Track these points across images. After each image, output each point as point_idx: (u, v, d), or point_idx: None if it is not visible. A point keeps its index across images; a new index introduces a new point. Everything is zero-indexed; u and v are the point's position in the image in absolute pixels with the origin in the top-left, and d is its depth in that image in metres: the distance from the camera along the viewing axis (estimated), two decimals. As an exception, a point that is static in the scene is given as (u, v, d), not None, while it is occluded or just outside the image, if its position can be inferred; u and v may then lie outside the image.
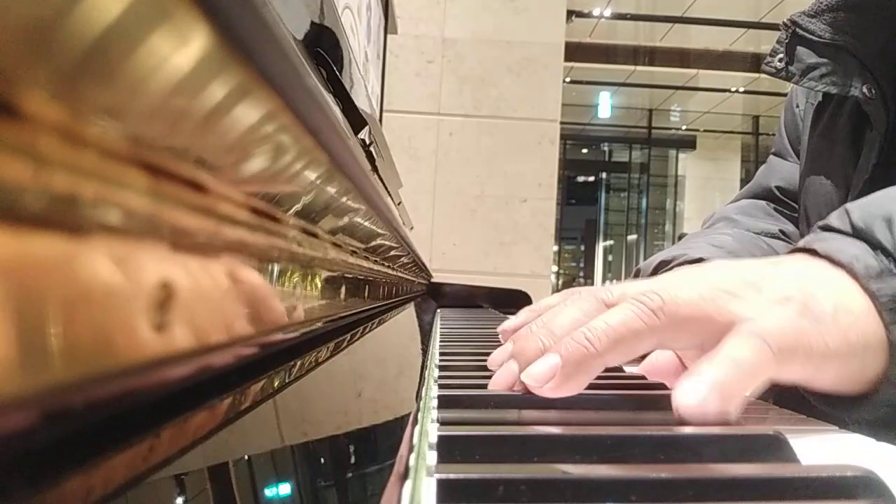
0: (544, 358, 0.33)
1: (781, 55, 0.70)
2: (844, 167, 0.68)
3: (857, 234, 0.37)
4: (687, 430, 0.27)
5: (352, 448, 0.25)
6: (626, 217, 13.02)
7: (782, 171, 0.82)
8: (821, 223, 0.40)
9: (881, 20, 0.64)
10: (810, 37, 0.67)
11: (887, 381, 0.34)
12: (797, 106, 0.81)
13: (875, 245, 0.36)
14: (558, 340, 0.34)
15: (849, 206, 0.39)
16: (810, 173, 0.73)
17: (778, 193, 0.82)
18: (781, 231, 0.78)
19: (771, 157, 0.86)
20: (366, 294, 0.56)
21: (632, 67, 8.61)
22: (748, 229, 0.77)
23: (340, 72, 0.47)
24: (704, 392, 0.29)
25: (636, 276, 0.75)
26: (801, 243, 0.39)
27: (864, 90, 0.64)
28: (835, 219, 0.39)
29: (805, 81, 0.69)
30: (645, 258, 0.78)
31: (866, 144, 0.66)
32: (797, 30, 0.68)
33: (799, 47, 0.69)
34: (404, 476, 0.21)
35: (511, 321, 0.60)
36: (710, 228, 0.81)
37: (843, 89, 0.66)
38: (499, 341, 0.58)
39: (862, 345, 0.33)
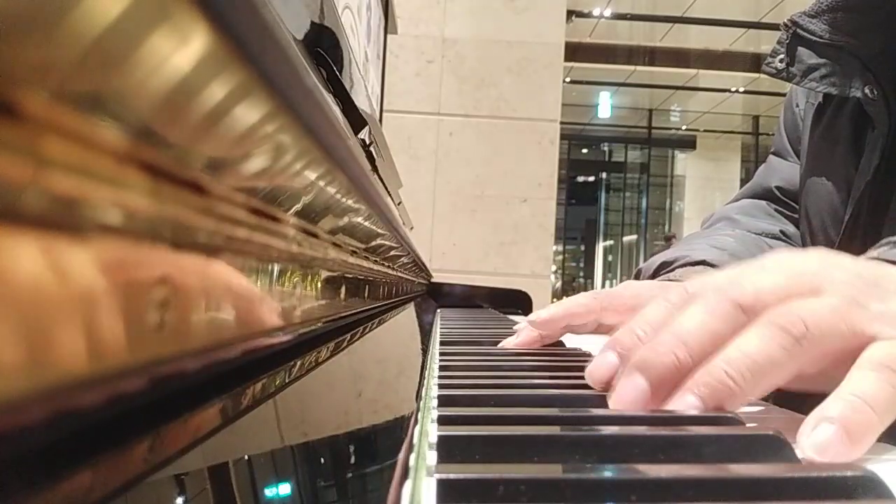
0: (683, 397, 0.29)
1: (782, 56, 0.70)
2: (846, 168, 0.68)
3: None
4: (687, 430, 0.27)
5: (352, 448, 0.25)
6: (623, 217, 13.02)
7: (782, 171, 0.82)
8: (894, 238, 0.38)
9: (881, 20, 0.64)
10: (811, 37, 0.67)
11: None
12: (797, 106, 0.81)
13: None
14: (693, 354, 0.30)
15: None
16: (811, 174, 0.73)
17: (778, 193, 0.82)
18: (782, 231, 0.78)
19: (770, 156, 0.86)
20: (366, 294, 0.56)
21: (632, 67, 8.62)
22: (749, 229, 0.77)
23: (340, 72, 0.47)
24: (831, 436, 0.26)
25: (637, 277, 0.75)
26: (874, 254, 0.37)
27: (866, 91, 0.64)
28: None
29: (806, 82, 0.69)
30: (645, 258, 0.78)
31: (868, 145, 0.66)
32: (798, 30, 0.68)
33: (800, 48, 0.68)
34: (404, 476, 0.21)
35: (543, 312, 0.57)
36: (711, 229, 0.81)
37: (844, 90, 0.66)
38: (499, 340, 0.58)
39: None
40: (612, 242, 13.60)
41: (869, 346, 0.30)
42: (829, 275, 0.32)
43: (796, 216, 0.79)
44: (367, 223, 0.45)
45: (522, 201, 2.74)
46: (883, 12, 0.64)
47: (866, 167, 0.65)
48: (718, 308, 0.31)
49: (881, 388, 0.27)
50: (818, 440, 0.26)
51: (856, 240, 0.67)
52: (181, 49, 0.13)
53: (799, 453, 0.25)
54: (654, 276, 0.70)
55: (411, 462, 0.22)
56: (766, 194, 0.83)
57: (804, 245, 0.76)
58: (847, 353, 0.30)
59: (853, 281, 0.32)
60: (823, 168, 0.71)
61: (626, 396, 0.30)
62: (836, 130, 0.70)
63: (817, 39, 0.67)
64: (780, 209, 0.82)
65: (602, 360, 0.34)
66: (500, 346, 0.57)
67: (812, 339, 0.29)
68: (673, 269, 0.68)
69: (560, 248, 13.70)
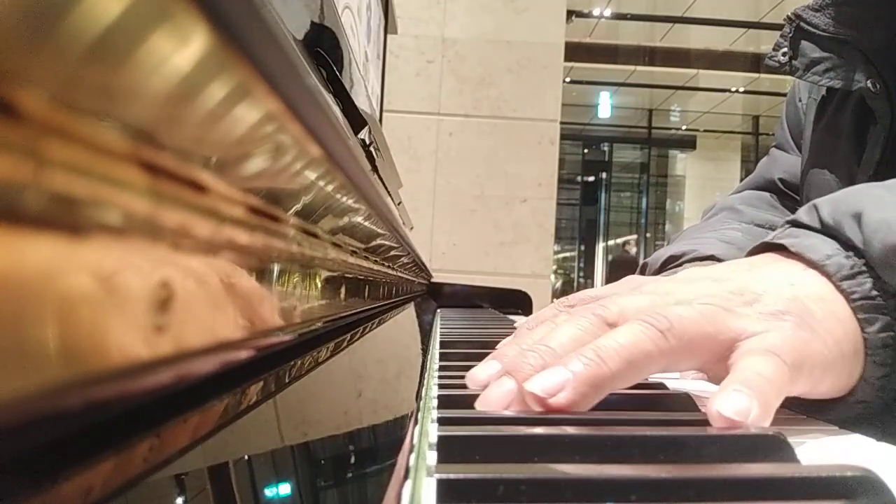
0: (553, 370, 0.30)
1: (785, 49, 0.70)
2: (848, 162, 0.68)
3: (827, 231, 0.37)
4: (687, 430, 0.27)
5: (352, 448, 0.25)
6: (610, 216, 12.98)
7: (785, 163, 0.82)
8: (789, 218, 0.40)
9: (886, 14, 0.64)
10: (814, 30, 0.67)
11: (864, 382, 0.34)
12: (799, 100, 0.81)
13: (845, 243, 0.36)
14: (561, 357, 0.32)
15: (818, 201, 0.39)
16: (813, 167, 0.73)
17: (781, 185, 0.82)
18: None
19: (773, 149, 0.86)
20: (366, 294, 0.56)
21: (632, 67, 8.62)
22: (753, 220, 0.77)
23: (340, 72, 0.47)
24: (748, 403, 0.28)
25: (642, 271, 0.75)
26: (769, 238, 0.39)
27: (869, 84, 0.64)
28: (804, 214, 0.39)
29: (809, 76, 0.69)
30: (645, 258, 0.77)
31: (870, 139, 0.66)
32: (801, 23, 0.68)
33: (803, 41, 0.68)
34: (404, 476, 0.21)
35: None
36: (714, 220, 0.81)
37: (847, 84, 0.66)
38: (499, 341, 0.58)
39: (852, 352, 0.34)
40: (612, 243, 13.56)
41: (741, 343, 0.32)
42: (694, 290, 0.35)
43: (798, 208, 0.79)
44: (367, 223, 0.45)
45: (522, 201, 2.74)
46: (886, 7, 0.64)
47: (868, 161, 0.65)
48: (584, 322, 0.34)
49: (759, 387, 0.29)
50: (737, 406, 0.27)
51: None
52: (181, 49, 0.13)
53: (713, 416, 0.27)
54: (660, 270, 0.70)
55: (411, 462, 0.22)
56: (768, 185, 0.83)
57: None
58: (722, 351, 0.32)
59: (718, 293, 0.34)
60: (826, 161, 0.71)
61: (492, 396, 0.31)
62: (839, 124, 0.70)
63: (820, 33, 0.67)
64: (783, 201, 0.82)
65: (485, 366, 0.35)
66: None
67: (676, 334, 0.32)
68: (681, 264, 0.68)
69: (573, 249, 13.60)
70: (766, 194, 0.83)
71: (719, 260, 0.65)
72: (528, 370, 0.31)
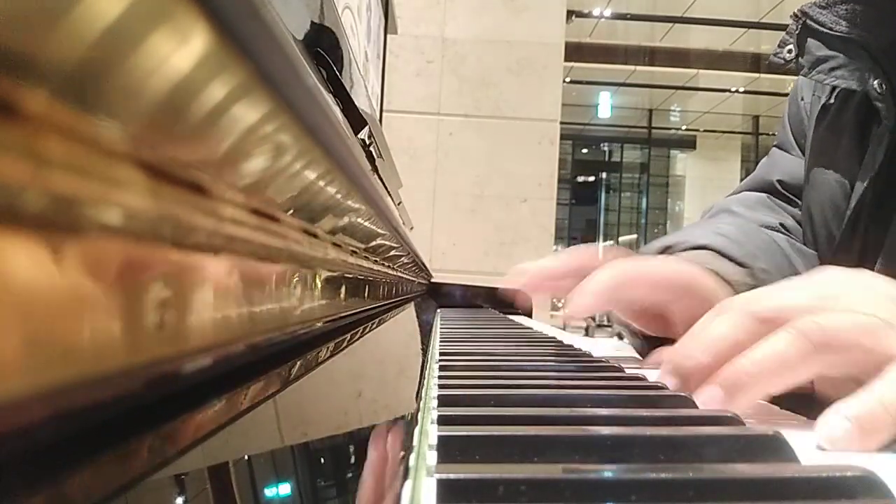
0: (706, 389, 0.33)
1: (791, 46, 0.70)
2: (850, 162, 0.68)
3: None
4: (687, 430, 0.27)
5: (352, 448, 0.25)
6: (617, 216, 12.95)
7: (785, 164, 0.82)
8: None
9: (893, 14, 0.64)
10: (821, 28, 0.67)
11: None
12: (802, 99, 0.80)
13: None
14: (714, 357, 0.34)
15: None
16: (815, 166, 0.73)
17: (779, 187, 0.81)
18: (781, 224, 0.77)
19: (773, 149, 0.85)
20: (366, 294, 0.56)
21: (632, 67, 8.61)
22: (748, 221, 0.77)
23: (340, 72, 0.47)
24: (846, 427, 0.28)
25: None
26: None
27: (875, 85, 0.64)
28: None
29: (814, 74, 0.68)
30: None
31: (873, 140, 0.66)
32: (808, 21, 0.68)
33: (809, 39, 0.68)
34: (404, 476, 0.21)
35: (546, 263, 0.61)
36: (713, 219, 0.80)
37: (852, 83, 0.65)
38: (499, 341, 0.59)
39: None
40: (612, 243, 13.54)
41: (887, 363, 0.31)
42: (857, 297, 0.34)
43: (796, 210, 0.79)
44: (367, 223, 0.45)
45: (522, 201, 2.74)
46: (894, 6, 0.64)
47: (870, 162, 0.65)
48: (739, 321, 0.35)
49: (867, 409, 0.29)
50: (833, 434, 0.28)
51: (857, 234, 0.67)
52: (181, 49, 0.13)
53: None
54: None
55: (411, 462, 0.22)
56: (767, 187, 0.82)
57: (805, 238, 0.76)
58: (873, 368, 0.31)
59: (883, 303, 0.33)
60: (828, 161, 0.71)
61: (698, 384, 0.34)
62: (842, 124, 0.70)
63: (827, 31, 0.66)
64: (781, 203, 0.81)
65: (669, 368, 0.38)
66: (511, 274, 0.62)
67: (829, 347, 0.32)
68: (674, 253, 0.67)
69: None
70: (764, 195, 0.82)
71: (711, 249, 0.65)
72: (684, 371, 0.36)
